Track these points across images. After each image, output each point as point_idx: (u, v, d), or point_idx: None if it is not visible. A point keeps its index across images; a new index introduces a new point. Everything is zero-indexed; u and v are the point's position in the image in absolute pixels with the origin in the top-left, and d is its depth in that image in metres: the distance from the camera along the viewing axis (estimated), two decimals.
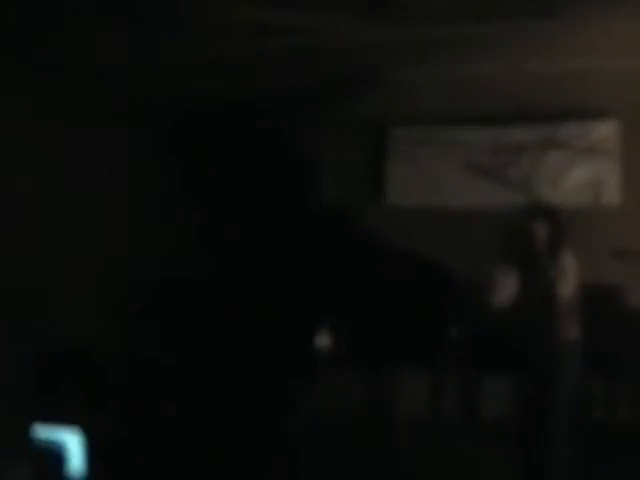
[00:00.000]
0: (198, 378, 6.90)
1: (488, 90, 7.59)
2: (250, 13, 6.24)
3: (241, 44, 6.83)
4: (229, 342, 7.07)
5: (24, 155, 6.73)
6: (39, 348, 6.19)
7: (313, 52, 7.09)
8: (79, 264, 7.11)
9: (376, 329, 6.70)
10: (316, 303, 7.00)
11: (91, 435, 4.67)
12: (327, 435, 6.78)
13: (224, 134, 8.12)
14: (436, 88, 7.69)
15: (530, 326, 5.57)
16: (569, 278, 5.48)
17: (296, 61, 7.28)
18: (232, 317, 7.21)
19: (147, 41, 6.71)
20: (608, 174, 7.41)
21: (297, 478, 6.10)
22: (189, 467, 6.00)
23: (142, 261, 7.55)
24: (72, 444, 4.45)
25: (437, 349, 6.55)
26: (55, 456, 4.37)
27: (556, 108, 7.52)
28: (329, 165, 8.25)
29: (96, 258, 7.28)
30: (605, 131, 7.44)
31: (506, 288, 5.62)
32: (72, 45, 6.64)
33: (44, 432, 4.51)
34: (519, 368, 5.70)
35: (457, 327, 6.55)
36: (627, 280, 6.60)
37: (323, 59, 7.29)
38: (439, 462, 6.17)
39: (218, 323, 7.23)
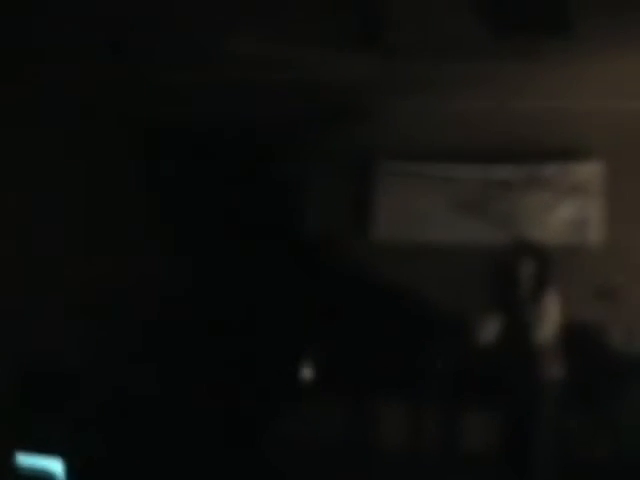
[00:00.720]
0: (179, 401, 6.88)
1: (475, 127, 7.64)
2: (239, 44, 6.27)
3: (229, 74, 6.85)
4: (211, 369, 7.06)
5: None
6: (21, 372, 6.17)
7: (302, 84, 7.10)
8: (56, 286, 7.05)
9: (358, 362, 6.70)
10: (298, 334, 7.00)
11: (74, 461, 4.63)
12: (305, 465, 6.76)
13: (209, 163, 8.11)
14: (424, 123, 7.72)
15: (512, 364, 5.59)
16: (551, 317, 5.51)
17: (283, 92, 7.29)
18: (214, 345, 7.20)
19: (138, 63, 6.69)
20: (592, 214, 7.47)
21: None
22: None
23: (123, 284, 7.49)
24: (56, 471, 4.41)
25: (419, 383, 6.54)
26: None
27: (541, 147, 7.57)
28: (314, 197, 8.25)
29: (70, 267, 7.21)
30: (589, 172, 7.49)
31: (490, 326, 5.65)
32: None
33: (27, 460, 4.47)
34: (501, 405, 5.72)
35: (440, 362, 6.56)
36: (610, 319, 6.63)
37: (312, 91, 7.30)
38: None
39: (200, 353, 7.22)
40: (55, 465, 4.42)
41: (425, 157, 7.88)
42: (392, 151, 7.94)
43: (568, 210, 7.54)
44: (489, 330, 5.64)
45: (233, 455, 6.66)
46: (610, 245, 7.40)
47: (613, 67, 6.54)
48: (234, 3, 5.56)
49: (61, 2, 5.52)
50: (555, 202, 7.57)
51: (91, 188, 7.50)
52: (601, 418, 6.77)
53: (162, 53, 6.47)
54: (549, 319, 5.50)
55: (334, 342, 6.84)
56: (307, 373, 6.75)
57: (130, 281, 7.52)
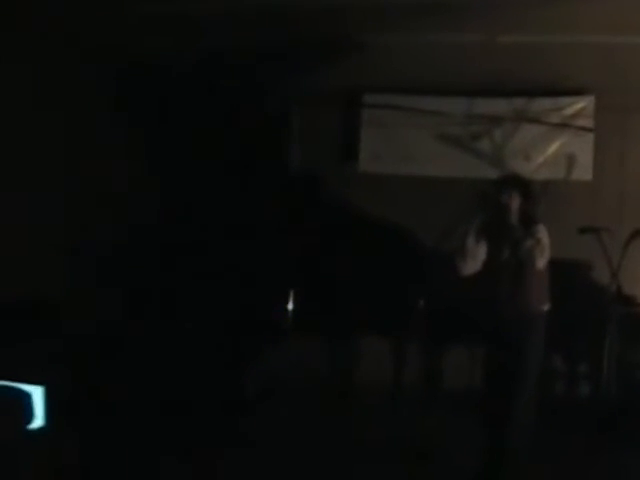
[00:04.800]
0: (158, 341, 6.85)
1: (463, 60, 7.53)
2: None
3: (211, 4, 6.72)
4: (192, 307, 7.03)
5: None
6: None
7: (286, 15, 6.98)
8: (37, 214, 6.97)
9: (343, 296, 6.68)
10: (282, 269, 6.97)
11: (51, 388, 4.61)
12: (287, 402, 6.78)
13: (193, 99, 7.99)
14: (411, 56, 7.60)
15: (501, 296, 5.56)
16: (545, 246, 5.47)
17: (268, 24, 7.16)
18: (196, 281, 7.16)
19: None
20: (581, 149, 7.42)
21: (255, 443, 6.08)
22: (146, 425, 5.96)
23: (107, 224, 7.42)
24: (34, 394, 4.40)
25: (403, 318, 6.53)
26: (16, 404, 4.31)
27: (531, 81, 7.49)
28: (300, 131, 8.18)
29: (51, 205, 7.12)
30: (580, 106, 7.44)
31: (475, 257, 5.61)
32: None
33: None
34: (486, 338, 5.70)
35: (424, 296, 6.54)
36: (596, 255, 6.61)
37: (296, 22, 7.18)
38: (400, 431, 6.16)
39: (181, 287, 7.19)
40: (32, 388, 4.41)
41: (412, 91, 7.80)
42: (379, 84, 7.84)
43: (557, 145, 7.50)
44: (474, 262, 5.60)
45: (215, 394, 6.66)
46: (598, 181, 7.38)
47: (604, 1, 6.44)
48: None
49: None
50: (544, 137, 7.52)
51: (70, 121, 7.39)
52: (584, 354, 6.79)
53: None
54: (543, 248, 5.46)
55: (318, 277, 6.81)
56: (291, 309, 6.72)
57: (113, 221, 7.46)
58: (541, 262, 5.47)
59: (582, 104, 7.43)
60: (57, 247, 6.90)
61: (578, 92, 7.44)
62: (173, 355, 6.71)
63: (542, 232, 5.48)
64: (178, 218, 7.76)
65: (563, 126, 7.47)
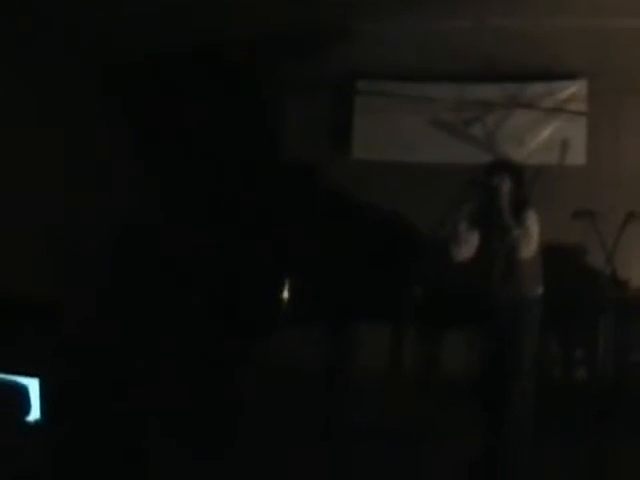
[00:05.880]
0: (154, 329, 6.85)
1: (455, 45, 7.52)
2: None
3: None
4: (187, 294, 7.02)
5: None
6: None
7: (279, 1, 6.97)
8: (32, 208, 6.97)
9: (338, 283, 6.67)
10: (278, 256, 6.96)
11: (47, 381, 4.61)
12: (284, 388, 6.78)
13: (185, 84, 7.96)
14: (403, 42, 7.60)
15: (493, 282, 5.57)
16: (532, 236, 5.47)
17: (261, 10, 7.15)
18: (191, 268, 7.16)
19: None
20: (574, 134, 7.40)
21: (251, 430, 6.08)
22: (143, 415, 5.96)
23: (100, 210, 7.42)
24: (31, 387, 4.40)
25: (399, 304, 6.53)
26: (12, 396, 4.31)
27: (523, 66, 7.48)
28: (294, 118, 8.16)
29: (50, 203, 7.13)
30: (572, 91, 7.43)
31: (468, 243, 5.62)
32: None
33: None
34: (481, 324, 5.71)
35: (419, 282, 6.54)
36: (589, 240, 6.62)
37: (289, 8, 7.17)
38: (398, 416, 6.17)
39: (176, 275, 7.18)
40: (29, 381, 4.41)
41: (405, 77, 7.78)
42: (372, 70, 7.83)
43: (550, 130, 7.49)
44: (468, 248, 5.61)
45: (213, 380, 6.66)
46: (592, 166, 7.38)
47: None
48: None
49: None
50: (537, 122, 7.52)
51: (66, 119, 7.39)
52: (580, 339, 6.80)
53: None
54: (529, 239, 5.46)
55: (313, 263, 6.80)
56: (287, 295, 6.72)
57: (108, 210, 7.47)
58: (528, 251, 5.48)
59: (575, 88, 7.42)
60: (54, 242, 6.92)
61: (571, 76, 7.43)
62: (169, 347, 6.71)
63: (531, 220, 5.49)
64: (169, 207, 7.76)
65: (556, 111, 7.46)
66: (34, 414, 4.47)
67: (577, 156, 7.39)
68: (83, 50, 7.51)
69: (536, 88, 7.51)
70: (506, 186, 5.59)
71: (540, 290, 5.59)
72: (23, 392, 4.36)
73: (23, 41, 6.93)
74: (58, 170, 7.24)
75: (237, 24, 7.35)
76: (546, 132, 7.48)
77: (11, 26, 6.65)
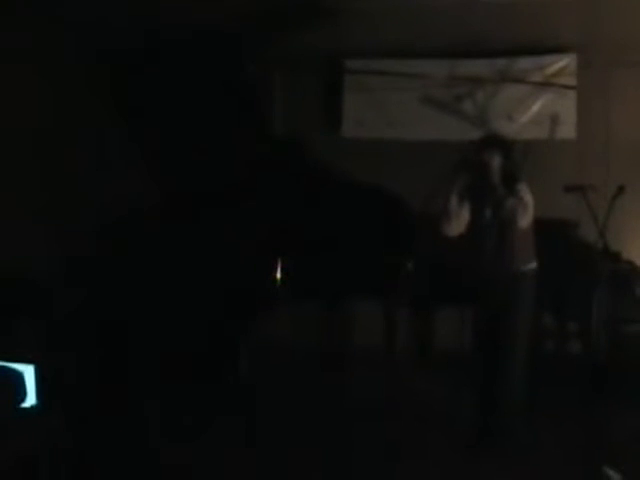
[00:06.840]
0: (152, 310, 6.86)
1: (444, 21, 7.52)
2: None
3: None
4: (182, 275, 7.02)
5: None
6: None
7: None
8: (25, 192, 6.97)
9: (330, 261, 6.68)
10: (269, 235, 6.96)
11: (43, 368, 4.61)
12: (280, 368, 6.80)
13: (172, 64, 7.93)
14: (392, 19, 7.59)
15: (486, 257, 5.58)
16: (527, 209, 5.48)
17: None
18: (184, 249, 7.16)
19: None
20: (564, 108, 7.40)
21: (250, 410, 6.10)
22: (141, 399, 5.98)
23: (94, 192, 7.42)
24: (27, 373, 4.41)
25: (392, 281, 6.54)
26: (8, 383, 4.32)
27: (512, 41, 7.46)
28: (282, 96, 8.13)
29: (44, 185, 7.13)
30: (562, 65, 7.40)
31: (459, 218, 5.63)
32: None
33: None
34: (475, 299, 5.73)
35: (412, 259, 6.55)
36: (581, 214, 6.63)
37: None
38: (393, 394, 6.20)
39: (171, 256, 7.18)
40: (25, 368, 4.41)
41: (394, 53, 7.75)
42: (361, 48, 7.79)
43: (540, 105, 7.47)
44: (459, 223, 5.62)
45: (210, 361, 6.68)
46: (582, 140, 7.37)
47: None
48: None
49: None
50: (527, 97, 7.48)
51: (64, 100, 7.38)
52: (573, 312, 6.83)
53: None
54: (525, 205, 5.47)
55: (305, 241, 6.81)
56: (279, 274, 6.72)
57: (98, 188, 7.45)
58: (524, 221, 5.50)
59: (564, 62, 7.39)
60: (49, 225, 6.93)
61: (560, 50, 7.40)
62: (164, 331, 6.73)
63: (524, 191, 5.50)
64: (161, 185, 7.75)
65: (545, 85, 7.44)
66: (30, 400, 4.48)
67: (567, 130, 7.40)
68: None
69: (526, 62, 7.48)
70: (496, 161, 5.59)
71: (533, 264, 5.61)
72: (19, 378, 4.37)
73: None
74: (52, 155, 7.25)
75: (226, 1, 7.34)
76: (536, 107, 7.46)
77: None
